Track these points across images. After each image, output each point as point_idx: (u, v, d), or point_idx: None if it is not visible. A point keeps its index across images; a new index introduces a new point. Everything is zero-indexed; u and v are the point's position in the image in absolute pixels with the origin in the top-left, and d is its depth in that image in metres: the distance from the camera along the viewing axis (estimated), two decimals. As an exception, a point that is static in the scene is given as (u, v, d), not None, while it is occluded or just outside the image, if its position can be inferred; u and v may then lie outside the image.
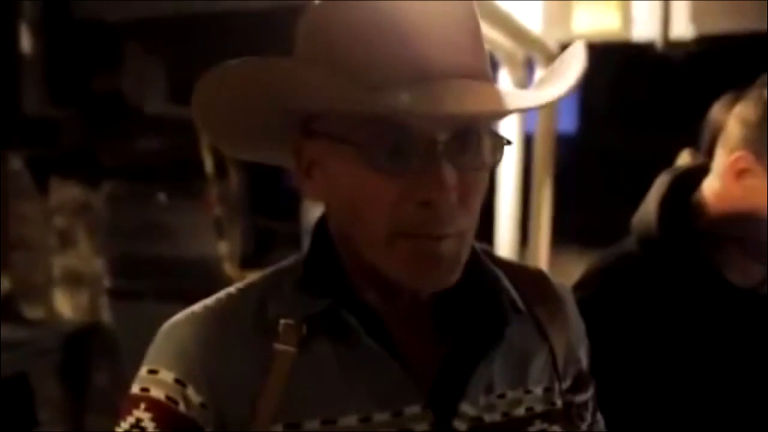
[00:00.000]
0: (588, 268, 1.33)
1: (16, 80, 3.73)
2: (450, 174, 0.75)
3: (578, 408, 0.94)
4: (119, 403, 0.82)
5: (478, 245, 0.90)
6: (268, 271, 0.89)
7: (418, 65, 0.74)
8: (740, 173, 1.19)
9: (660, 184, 1.32)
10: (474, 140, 0.78)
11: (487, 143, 0.79)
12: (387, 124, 0.74)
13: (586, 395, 0.96)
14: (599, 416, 0.99)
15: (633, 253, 1.29)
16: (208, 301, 0.86)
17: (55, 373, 3.91)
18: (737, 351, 1.22)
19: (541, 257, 3.39)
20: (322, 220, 0.88)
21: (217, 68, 0.77)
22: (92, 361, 4.00)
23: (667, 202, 1.28)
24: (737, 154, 1.19)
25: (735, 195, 1.20)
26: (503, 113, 0.81)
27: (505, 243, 2.97)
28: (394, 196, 0.76)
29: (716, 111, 1.71)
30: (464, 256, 0.81)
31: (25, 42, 3.73)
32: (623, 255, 1.31)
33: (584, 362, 0.97)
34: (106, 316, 3.99)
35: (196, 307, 0.85)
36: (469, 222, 0.80)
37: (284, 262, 0.90)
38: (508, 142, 0.81)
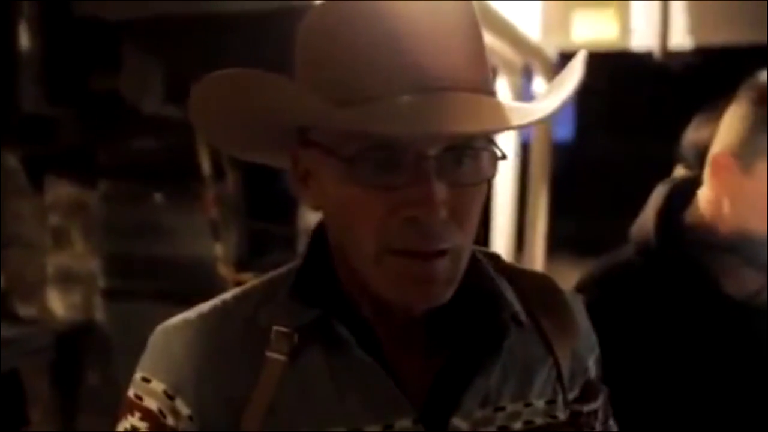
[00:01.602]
0: (583, 276, 1.33)
1: (13, 78, 3.72)
2: (439, 189, 0.72)
3: (587, 417, 0.93)
4: (111, 403, 0.83)
5: (482, 252, 0.89)
6: (266, 276, 0.88)
7: (405, 78, 0.72)
8: (716, 170, 1.21)
9: (657, 195, 1.33)
10: (469, 154, 0.75)
11: (484, 156, 0.76)
12: (374, 139, 0.72)
13: (596, 404, 0.95)
14: (612, 422, 0.98)
15: (630, 262, 1.30)
16: (204, 307, 0.86)
17: (47, 371, 3.90)
18: (730, 361, 1.22)
19: (537, 264, 3.40)
20: (321, 226, 0.87)
21: (206, 79, 0.76)
22: (84, 361, 3.98)
23: (664, 212, 1.29)
24: (715, 151, 1.21)
25: (720, 195, 1.21)
26: (491, 131, 0.77)
27: (500, 249, 2.97)
28: (381, 211, 0.74)
29: (694, 130, 1.75)
30: (458, 273, 0.78)
31: (24, 40, 3.72)
32: (620, 263, 1.32)
33: (593, 371, 0.95)
34: (99, 315, 3.98)
35: (191, 313, 0.85)
36: (464, 238, 0.77)
37: (283, 268, 0.88)
38: (503, 157, 0.78)
